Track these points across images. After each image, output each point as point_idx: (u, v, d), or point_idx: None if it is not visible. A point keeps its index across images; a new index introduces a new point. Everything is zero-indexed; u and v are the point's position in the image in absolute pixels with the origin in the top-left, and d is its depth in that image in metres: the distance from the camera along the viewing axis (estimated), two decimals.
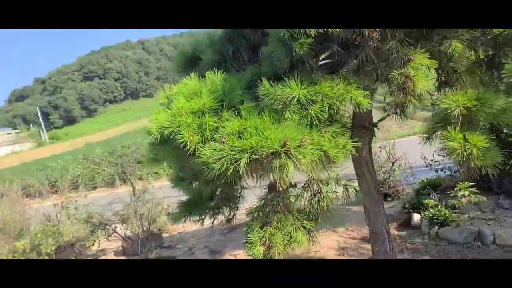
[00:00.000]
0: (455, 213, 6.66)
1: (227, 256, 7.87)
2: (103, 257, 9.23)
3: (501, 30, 3.03)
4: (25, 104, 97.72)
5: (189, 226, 8.47)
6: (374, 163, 9.80)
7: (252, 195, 3.89)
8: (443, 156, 6.91)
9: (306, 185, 3.40)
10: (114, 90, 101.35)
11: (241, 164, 2.48)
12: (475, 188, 6.34)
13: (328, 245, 7.18)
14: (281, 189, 2.80)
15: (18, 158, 40.65)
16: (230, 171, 2.50)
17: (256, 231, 3.02)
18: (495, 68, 3.42)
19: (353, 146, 3.18)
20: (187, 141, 2.71)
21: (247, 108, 2.91)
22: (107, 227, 8.58)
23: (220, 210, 4.17)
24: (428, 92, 3.20)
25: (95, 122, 78.95)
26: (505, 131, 6.62)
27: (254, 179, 3.33)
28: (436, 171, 8.52)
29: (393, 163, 10.08)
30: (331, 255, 6.76)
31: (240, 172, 2.52)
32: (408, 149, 9.84)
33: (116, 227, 8.80)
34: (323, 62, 3.31)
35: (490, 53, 3.61)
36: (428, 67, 3.14)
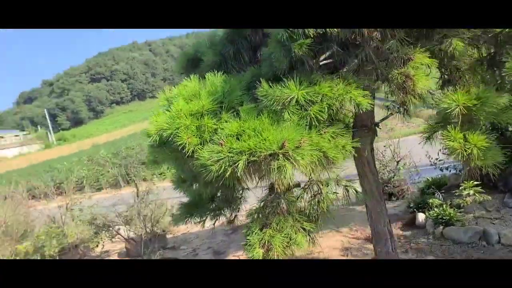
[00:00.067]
0: (460, 212, 6.60)
1: (230, 257, 7.88)
2: (107, 259, 9.28)
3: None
4: (33, 106, 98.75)
5: (193, 226, 8.48)
6: (379, 162, 9.84)
7: (253, 196, 3.89)
8: (448, 155, 6.86)
9: (306, 186, 3.39)
10: (121, 92, 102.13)
11: (239, 166, 2.48)
12: (480, 187, 6.28)
13: (332, 245, 7.16)
14: (279, 190, 2.79)
15: (26, 159, 41.03)
16: (228, 173, 2.50)
17: (255, 233, 3.01)
18: (496, 67, 3.38)
19: (354, 146, 3.17)
20: (186, 143, 2.71)
21: (246, 109, 2.90)
22: (111, 228, 8.62)
23: (221, 211, 4.17)
24: (429, 92, 3.16)
25: (102, 123, 79.46)
26: (510, 129, 6.55)
27: (254, 181, 3.33)
28: (441, 170, 8.45)
29: (397, 162, 10.02)
30: (335, 255, 6.74)
31: (238, 174, 2.51)
32: (413, 147, 9.78)
33: (119, 229, 8.84)
34: (323, 62, 3.30)
35: (492, 51, 3.58)
36: (428, 66, 3.11)
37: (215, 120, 2.89)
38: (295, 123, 2.78)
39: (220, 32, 4.42)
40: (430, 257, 5.95)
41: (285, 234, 3.05)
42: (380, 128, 4.68)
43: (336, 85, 3.00)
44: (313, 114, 2.85)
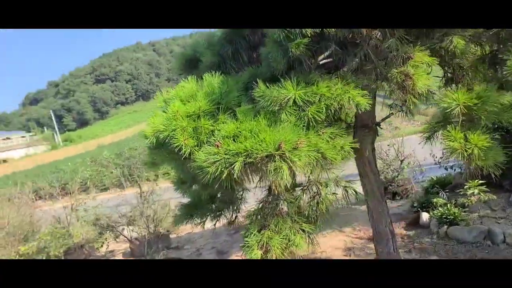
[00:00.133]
0: (464, 211, 6.53)
1: (234, 257, 7.87)
2: (112, 258, 9.31)
3: None
4: (39, 108, 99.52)
5: (197, 226, 8.50)
6: (382, 161, 9.77)
7: (254, 197, 3.87)
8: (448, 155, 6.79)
9: (305, 187, 3.35)
10: (126, 92, 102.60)
11: (235, 167, 2.45)
12: (485, 186, 6.20)
13: (334, 245, 7.12)
14: (276, 192, 2.76)
15: (32, 160, 41.28)
16: (225, 175, 2.48)
17: (253, 235, 2.99)
18: (498, 65, 3.33)
19: (355, 146, 3.14)
20: (182, 145, 2.69)
21: (243, 110, 2.88)
22: (115, 229, 8.65)
23: (222, 212, 4.15)
24: (429, 91, 3.12)
25: (107, 124, 79.79)
26: None
27: (254, 181, 3.30)
28: (446, 168, 8.37)
29: (401, 161, 9.95)
30: (338, 255, 6.70)
31: (235, 176, 2.49)
32: (417, 146, 9.68)
33: (123, 229, 8.86)
34: (324, 61, 3.27)
35: (495, 48, 3.52)
36: (429, 64, 3.06)
37: (212, 121, 2.87)
38: (293, 124, 2.75)
39: (218, 32, 4.39)
40: (434, 257, 5.89)
41: (283, 235, 3.02)
42: (382, 128, 4.64)
43: (335, 85, 2.97)
44: (311, 114, 2.82)
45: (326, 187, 3.27)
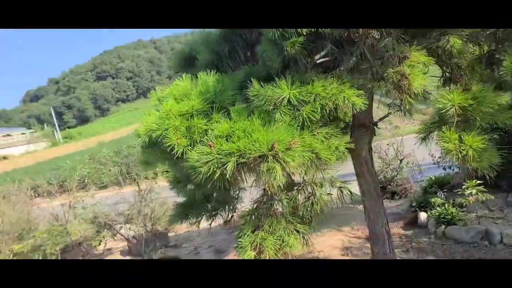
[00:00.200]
0: (462, 211, 6.52)
1: (232, 256, 7.86)
2: (109, 257, 9.30)
3: None
4: (39, 104, 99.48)
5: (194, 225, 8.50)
6: (382, 160, 9.75)
7: (250, 196, 3.84)
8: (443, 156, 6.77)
9: (300, 188, 3.33)
10: (127, 89, 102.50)
11: (227, 168, 2.43)
12: (482, 186, 6.18)
13: (332, 244, 7.11)
14: (269, 192, 2.74)
15: (33, 157, 41.28)
16: (217, 175, 2.46)
17: (247, 235, 2.97)
18: (495, 65, 3.30)
19: (350, 147, 3.11)
20: (175, 145, 2.67)
21: (237, 109, 2.86)
22: (112, 227, 8.64)
23: (218, 212, 4.13)
24: (425, 91, 3.09)
25: (108, 121, 79.71)
26: None
27: (249, 181, 3.28)
28: (444, 168, 8.34)
29: (401, 160, 9.93)
30: (335, 254, 6.69)
31: (227, 176, 2.47)
32: (417, 145, 9.64)
33: (121, 227, 8.85)
34: (321, 60, 3.24)
35: (493, 48, 3.49)
36: (425, 64, 3.02)
37: (205, 121, 2.85)
38: (287, 124, 2.72)
39: (215, 30, 4.36)
40: (431, 257, 5.87)
41: (277, 236, 3.00)
42: (379, 128, 4.61)
43: (330, 84, 2.94)
44: (306, 114, 2.79)
45: (321, 187, 3.25)
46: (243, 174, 2.85)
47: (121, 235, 8.73)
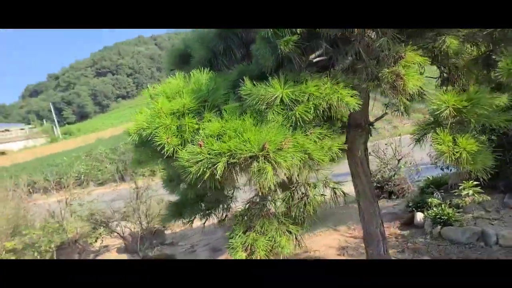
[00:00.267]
0: (458, 212, 6.48)
1: (227, 254, 7.82)
2: (106, 254, 9.27)
3: None
4: (38, 100, 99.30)
5: (195, 221, 8.47)
6: (380, 159, 9.71)
7: (245, 194, 3.81)
8: (437, 158, 6.74)
9: (293, 188, 3.30)
10: (127, 86, 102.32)
11: (218, 168, 2.40)
12: (479, 187, 6.15)
13: (328, 244, 7.09)
14: (260, 193, 2.71)
15: (32, 153, 41.20)
16: (207, 175, 2.42)
17: (238, 236, 2.94)
18: (491, 66, 3.26)
19: (343, 147, 3.08)
20: (165, 144, 2.63)
21: (230, 108, 2.82)
22: (108, 224, 8.61)
23: (211, 211, 4.10)
24: (420, 92, 3.06)
25: (108, 117, 79.51)
26: None
27: (242, 181, 3.24)
28: (442, 169, 8.31)
29: (399, 160, 9.89)
30: (331, 254, 6.66)
31: (218, 176, 2.43)
32: (416, 145, 9.59)
33: (117, 225, 8.83)
34: (317, 59, 3.20)
35: (490, 49, 3.45)
36: (420, 64, 2.99)
37: (197, 119, 2.81)
38: (279, 124, 2.68)
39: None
40: (426, 257, 5.85)
41: (269, 237, 2.97)
42: (377, 127, 4.58)
43: (324, 84, 2.90)
44: (299, 114, 2.75)
45: (315, 188, 3.21)
46: (235, 174, 2.82)
47: (117, 233, 8.71)
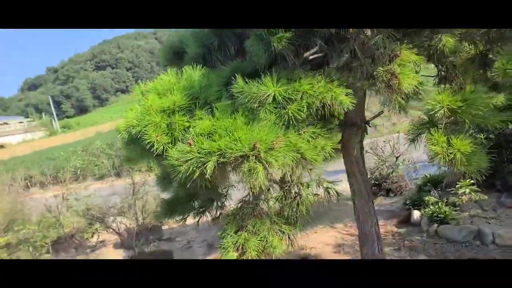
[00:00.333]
0: (455, 210, 6.47)
1: None
2: (102, 249, 9.26)
3: None
4: (37, 93, 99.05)
5: (190, 218, 8.44)
6: (378, 157, 9.67)
7: (239, 192, 3.77)
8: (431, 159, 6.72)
9: (286, 187, 3.26)
10: (126, 80, 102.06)
11: (207, 167, 2.35)
12: (476, 185, 6.13)
13: (325, 241, 7.07)
14: (251, 193, 2.67)
15: (30, 146, 41.16)
16: (196, 175, 2.38)
17: (230, 236, 2.90)
18: (487, 66, 3.21)
19: (336, 147, 3.04)
20: (154, 142, 2.59)
21: (221, 106, 2.77)
22: (104, 220, 8.59)
23: (205, 209, 4.06)
24: (416, 91, 3.00)
25: (107, 111, 79.37)
26: (510, 127, 6.35)
27: (236, 178, 3.20)
28: (439, 167, 8.28)
29: (397, 157, 9.86)
30: (327, 251, 6.65)
31: (207, 176, 2.39)
32: (413, 143, 9.53)
33: (114, 220, 8.81)
34: (312, 57, 3.15)
35: (486, 48, 3.40)
36: (416, 63, 2.94)
37: (188, 117, 2.76)
38: (272, 123, 2.64)
39: None
40: (422, 256, 5.83)
41: (261, 237, 2.93)
42: (373, 125, 4.53)
43: (318, 82, 2.85)
44: (291, 113, 2.71)
45: (308, 187, 3.17)
46: (226, 173, 2.79)
47: (112, 229, 8.68)
